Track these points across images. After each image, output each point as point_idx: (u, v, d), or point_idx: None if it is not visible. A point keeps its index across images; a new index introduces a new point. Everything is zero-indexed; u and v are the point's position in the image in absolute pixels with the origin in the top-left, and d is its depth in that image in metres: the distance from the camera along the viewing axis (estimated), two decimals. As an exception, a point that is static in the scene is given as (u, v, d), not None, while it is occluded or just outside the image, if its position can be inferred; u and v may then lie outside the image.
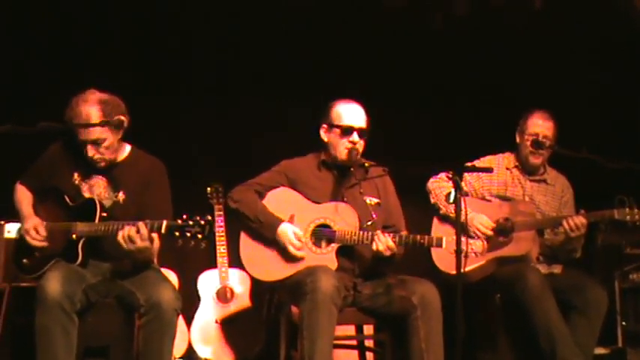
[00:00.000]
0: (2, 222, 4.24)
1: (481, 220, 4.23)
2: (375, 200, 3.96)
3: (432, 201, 4.35)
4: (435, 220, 4.33)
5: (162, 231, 3.43)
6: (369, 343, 4.23)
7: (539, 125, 4.33)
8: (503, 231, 4.22)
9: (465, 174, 4.18)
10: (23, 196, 3.78)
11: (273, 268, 3.86)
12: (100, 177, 3.69)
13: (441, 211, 4.29)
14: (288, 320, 3.92)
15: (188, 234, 3.38)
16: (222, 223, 4.88)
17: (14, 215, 3.80)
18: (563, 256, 4.30)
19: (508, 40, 5.29)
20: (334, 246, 3.83)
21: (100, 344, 3.83)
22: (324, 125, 3.99)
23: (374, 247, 3.75)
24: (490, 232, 4.22)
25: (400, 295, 3.75)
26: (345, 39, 5.30)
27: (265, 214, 3.88)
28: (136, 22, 5.27)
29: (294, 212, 3.88)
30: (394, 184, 4.10)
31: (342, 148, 3.92)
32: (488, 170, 4.06)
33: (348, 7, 5.21)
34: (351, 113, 3.94)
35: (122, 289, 3.62)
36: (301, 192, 3.95)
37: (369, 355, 4.31)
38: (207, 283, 4.88)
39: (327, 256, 3.82)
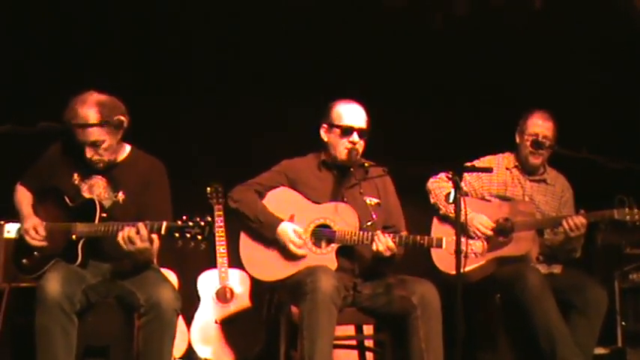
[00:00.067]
0: (2, 222, 4.24)
1: (481, 220, 4.23)
2: (375, 200, 3.96)
3: (432, 201, 4.35)
4: (435, 220, 4.33)
5: (162, 232, 3.43)
6: (368, 343, 4.23)
7: (539, 125, 4.34)
8: (503, 231, 4.22)
9: (465, 174, 4.16)
10: (23, 197, 3.78)
11: (273, 268, 3.86)
12: (100, 177, 3.69)
13: (441, 211, 4.29)
14: (288, 320, 3.92)
15: (188, 235, 3.38)
16: (222, 223, 4.88)
17: (14, 215, 3.80)
18: (563, 256, 4.30)
19: (508, 40, 5.29)
20: (334, 246, 3.83)
21: (100, 344, 3.83)
22: (325, 125, 3.99)
23: (374, 247, 3.75)
24: (490, 232, 4.22)
25: (400, 295, 3.75)
26: (345, 39, 5.29)
27: (265, 213, 3.87)
28: (136, 22, 5.27)
29: (294, 212, 3.88)
30: (394, 184, 4.10)
31: (342, 148, 3.92)
32: (488, 170, 4.06)
33: (348, 7, 5.21)
34: (351, 113, 3.94)
35: (122, 290, 3.62)
36: (301, 192, 3.95)
37: (369, 355, 4.31)
38: (207, 283, 4.88)
39: (327, 257, 3.82)
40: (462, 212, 3.61)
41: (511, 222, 4.22)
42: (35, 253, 3.63)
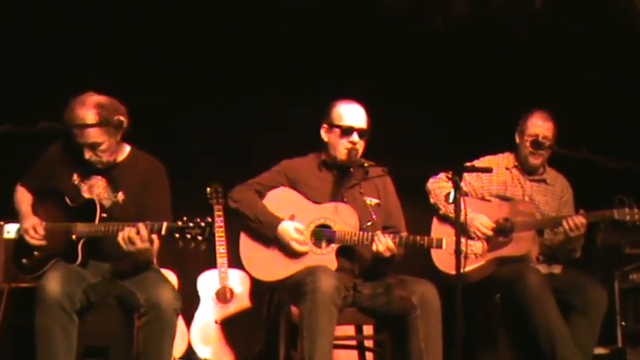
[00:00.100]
0: (2, 222, 4.23)
1: (481, 220, 4.23)
2: (375, 201, 3.96)
3: (432, 201, 4.35)
4: (435, 221, 4.33)
5: (163, 233, 3.44)
6: (368, 343, 4.23)
7: (539, 126, 4.33)
8: (502, 231, 4.22)
9: (465, 174, 4.17)
10: (23, 197, 3.78)
11: (273, 268, 3.86)
12: (100, 177, 3.69)
13: (441, 212, 4.29)
14: (287, 320, 3.92)
15: (188, 236, 3.38)
16: (222, 224, 4.88)
17: (14, 215, 3.80)
18: (563, 256, 4.30)
19: (508, 40, 5.29)
20: (334, 246, 3.83)
21: (100, 344, 3.83)
22: (325, 125, 3.99)
23: (374, 247, 3.75)
24: (490, 232, 4.22)
25: (400, 295, 3.75)
26: (345, 39, 5.29)
27: (265, 213, 3.87)
28: (136, 22, 5.27)
29: (294, 212, 3.88)
30: (394, 184, 4.10)
31: (341, 148, 3.92)
32: (488, 170, 4.05)
33: (348, 7, 5.20)
34: (351, 113, 3.94)
35: (122, 289, 3.62)
36: (301, 192, 3.95)
37: (369, 355, 4.31)
38: (207, 283, 4.88)
39: (327, 257, 3.82)
40: (462, 212, 3.61)
41: (511, 222, 4.22)
42: (35, 252, 3.63)
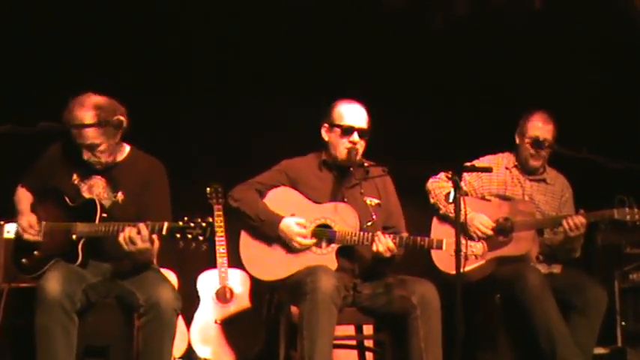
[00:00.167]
0: (2, 222, 4.24)
1: (481, 220, 4.23)
2: (375, 201, 3.96)
3: (432, 201, 4.35)
4: (435, 220, 4.33)
5: (164, 233, 3.44)
6: (368, 343, 4.23)
7: (539, 128, 4.33)
8: (502, 231, 4.23)
9: (465, 174, 4.17)
10: (22, 197, 3.78)
11: (273, 268, 3.86)
12: (99, 177, 3.69)
13: (441, 211, 4.29)
14: (287, 320, 3.92)
15: (189, 236, 3.38)
16: (222, 224, 4.88)
17: (14, 215, 3.80)
18: (563, 256, 4.30)
19: (508, 40, 5.29)
20: (334, 246, 3.83)
21: (100, 344, 3.83)
22: (326, 125, 3.99)
23: (374, 248, 3.75)
24: (490, 232, 4.22)
25: (400, 294, 3.75)
26: (345, 39, 5.29)
27: (266, 212, 3.87)
28: (136, 22, 5.27)
29: (294, 212, 3.88)
30: (394, 184, 4.10)
31: (342, 147, 3.92)
32: (488, 170, 4.05)
33: (348, 7, 5.20)
34: (352, 113, 3.94)
35: (122, 289, 3.62)
36: (302, 192, 3.95)
37: (369, 355, 4.31)
38: (207, 283, 4.88)
39: (327, 257, 3.82)
40: (462, 212, 3.61)
41: (511, 222, 4.22)
42: (35, 252, 3.63)
